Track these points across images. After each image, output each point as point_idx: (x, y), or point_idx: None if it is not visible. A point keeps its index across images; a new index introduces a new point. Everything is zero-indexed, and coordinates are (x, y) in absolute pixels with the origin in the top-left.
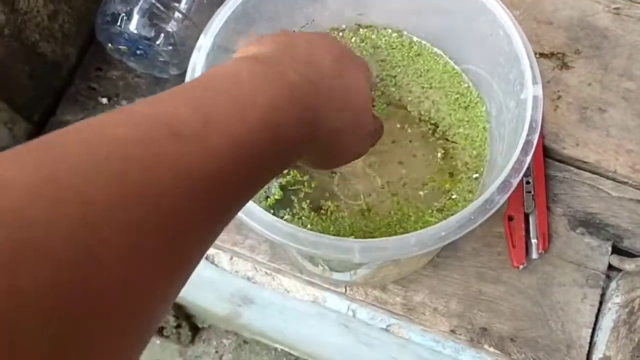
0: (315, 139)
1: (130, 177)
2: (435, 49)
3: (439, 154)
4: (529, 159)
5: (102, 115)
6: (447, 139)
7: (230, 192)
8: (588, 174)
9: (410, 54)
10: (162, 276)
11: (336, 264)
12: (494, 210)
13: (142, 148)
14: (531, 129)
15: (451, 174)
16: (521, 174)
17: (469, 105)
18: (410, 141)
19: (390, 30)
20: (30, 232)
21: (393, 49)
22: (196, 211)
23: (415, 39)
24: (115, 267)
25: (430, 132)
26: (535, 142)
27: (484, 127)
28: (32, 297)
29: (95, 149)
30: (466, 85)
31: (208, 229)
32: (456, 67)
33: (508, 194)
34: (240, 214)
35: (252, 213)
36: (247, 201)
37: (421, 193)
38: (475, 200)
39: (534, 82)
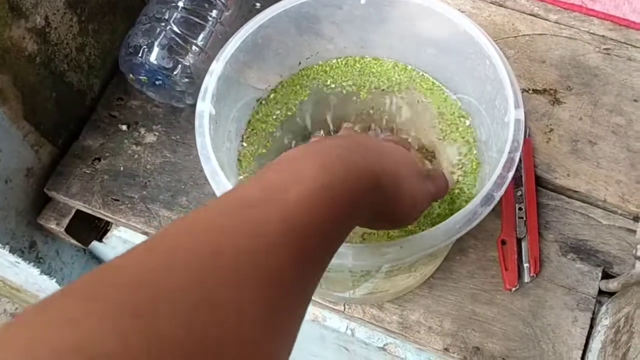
0: (378, 187)
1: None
2: (433, 79)
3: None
4: (510, 174)
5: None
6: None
7: (313, 240)
8: (579, 203)
9: (410, 83)
10: (269, 330)
11: (335, 282)
12: (477, 221)
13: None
14: (513, 148)
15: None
16: (503, 189)
17: (462, 131)
18: None
19: (391, 60)
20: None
21: (393, 77)
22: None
23: (415, 69)
24: (229, 323)
25: (428, 158)
26: (516, 160)
27: (475, 152)
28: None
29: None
30: (460, 112)
31: (299, 278)
32: (452, 95)
33: (491, 207)
34: None
35: None
36: (329, 252)
37: None
38: (459, 211)
39: (516, 106)
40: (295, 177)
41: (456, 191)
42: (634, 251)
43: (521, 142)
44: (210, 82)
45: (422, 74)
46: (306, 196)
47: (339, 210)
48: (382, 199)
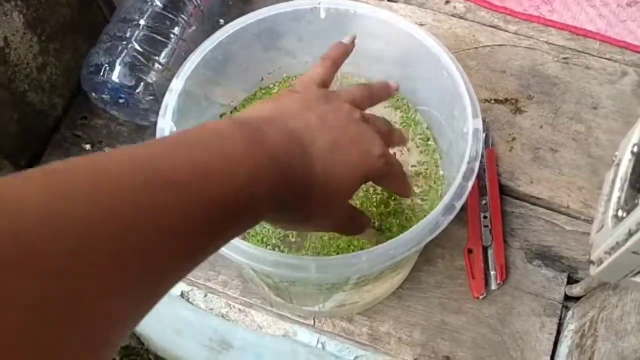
0: (288, 198)
1: (123, 218)
2: (397, 94)
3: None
4: (470, 184)
5: (106, 157)
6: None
7: (203, 239)
8: (542, 210)
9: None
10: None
11: (302, 297)
12: (438, 231)
13: (137, 194)
14: (471, 158)
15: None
16: (464, 198)
17: (424, 142)
18: None
19: (353, 75)
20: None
21: None
22: (170, 250)
23: None
24: (98, 281)
25: None
26: (476, 169)
27: (437, 163)
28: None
29: (98, 190)
30: (422, 126)
31: (174, 268)
32: (414, 108)
33: (452, 216)
34: None
35: None
36: (216, 248)
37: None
38: (421, 221)
39: (474, 116)
40: (226, 173)
41: (419, 202)
42: (588, 256)
43: (480, 151)
44: (170, 99)
45: None
46: (217, 199)
47: (241, 214)
48: (288, 209)
